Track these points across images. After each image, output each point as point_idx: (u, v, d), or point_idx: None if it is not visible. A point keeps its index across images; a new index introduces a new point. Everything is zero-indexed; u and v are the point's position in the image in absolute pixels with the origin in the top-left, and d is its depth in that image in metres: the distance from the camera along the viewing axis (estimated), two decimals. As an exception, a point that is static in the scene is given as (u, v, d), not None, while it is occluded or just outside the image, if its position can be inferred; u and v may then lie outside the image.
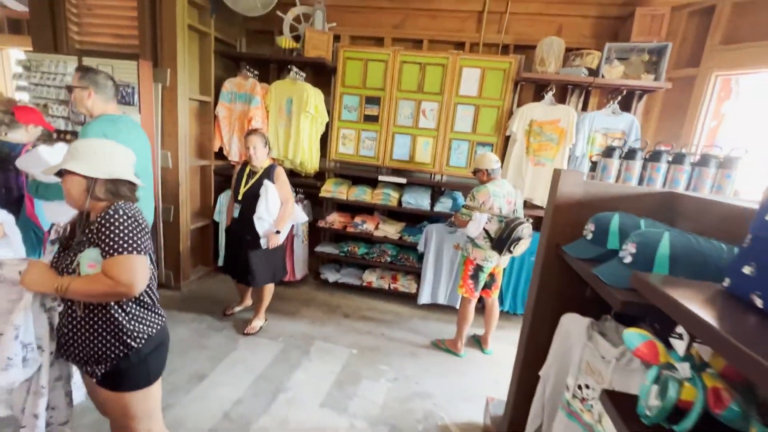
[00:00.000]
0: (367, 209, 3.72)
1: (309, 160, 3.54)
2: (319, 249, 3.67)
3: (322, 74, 3.70)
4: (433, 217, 3.52)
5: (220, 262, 3.70)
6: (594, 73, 3.03)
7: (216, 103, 3.53)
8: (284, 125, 3.50)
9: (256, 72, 3.62)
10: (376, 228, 3.50)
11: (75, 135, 3.00)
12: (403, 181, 3.35)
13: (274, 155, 3.59)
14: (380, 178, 3.38)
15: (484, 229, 2.49)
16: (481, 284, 2.65)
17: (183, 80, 3.11)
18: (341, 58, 3.45)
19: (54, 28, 3.16)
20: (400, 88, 3.41)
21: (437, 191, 3.60)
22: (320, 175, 3.78)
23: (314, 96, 3.38)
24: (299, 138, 3.41)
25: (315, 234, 3.76)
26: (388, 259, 3.51)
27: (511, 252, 2.46)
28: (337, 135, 3.60)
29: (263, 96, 3.48)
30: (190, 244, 3.57)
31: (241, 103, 3.50)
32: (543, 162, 3.22)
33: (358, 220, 3.53)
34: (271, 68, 3.79)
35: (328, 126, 3.65)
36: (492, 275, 2.72)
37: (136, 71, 2.88)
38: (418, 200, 3.38)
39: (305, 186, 3.63)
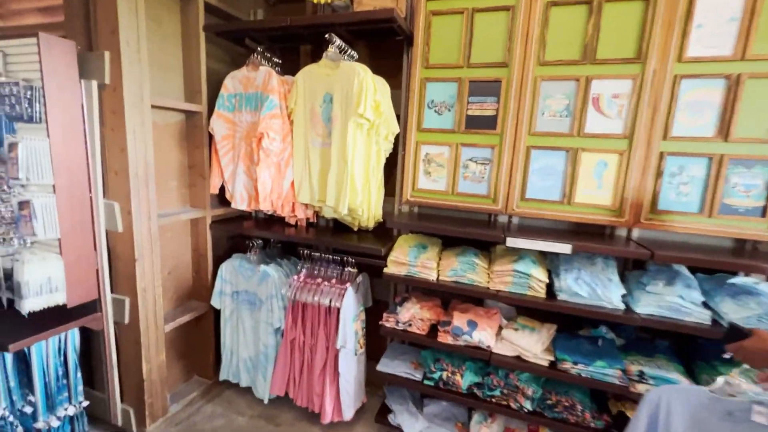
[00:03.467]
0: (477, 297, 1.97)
1: (366, 203, 1.92)
2: (385, 369, 1.98)
3: (385, 50, 2.11)
4: (624, 326, 1.69)
5: (224, 375, 2.19)
6: None
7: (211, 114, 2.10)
8: (319, 143, 1.93)
9: (276, 60, 2.14)
10: (498, 337, 1.74)
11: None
12: (565, 249, 1.55)
13: (305, 199, 2.03)
14: (509, 241, 1.62)
15: None
16: None
17: (137, 73, 1.70)
18: (422, 13, 1.83)
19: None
20: (543, 58, 1.68)
21: (635, 268, 1.77)
22: (384, 230, 2.14)
23: (373, 86, 1.77)
24: (346, 165, 1.82)
25: (376, 336, 2.08)
26: (526, 405, 1.70)
27: None
28: (415, 157, 1.94)
29: (284, 95, 1.96)
30: (168, 354, 2.09)
31: (250, 111, 2.01)
32: None
33: (459, 318, 1.79)
34: (302, 53, 2.29)
35: (397, 141, 2.03)
36: None
37: (38, 57, 1.50)
38: (595, 287, 1.56)
39: (358, 253, 1.99)
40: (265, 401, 2.20)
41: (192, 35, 2.01)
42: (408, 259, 1.79)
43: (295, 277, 1.99)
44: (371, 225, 2.05)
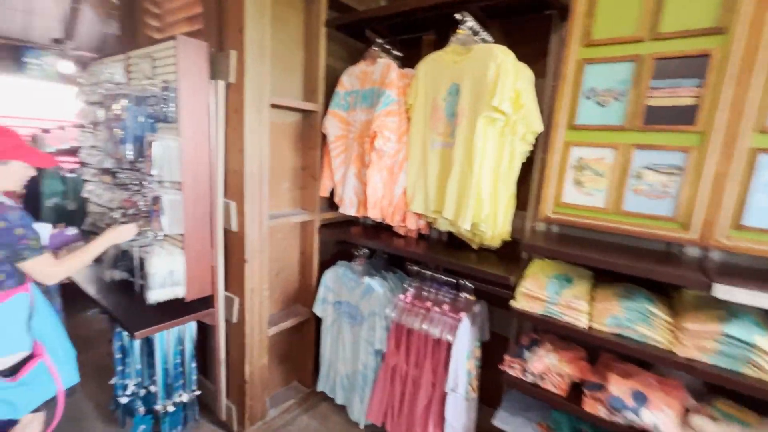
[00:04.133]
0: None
1: (491, 218, 1.56)
2: (503, 426, 1.58)
3: (526, 31, 1.72)
4: None
5: (321, 386, 2.09)
6: None
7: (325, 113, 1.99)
8: (439, 143, 1.65)
9: (397, 53, 1.94)
10: (685, 425, 1.19)
11: None
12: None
13: (418, 208, 1.76)
14: (720, 291, 1.07)
15: None
16: None
17: (259, 72, 1.66)
18: (587, -26, 1.39)
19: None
20: (793, 14, 1.09)
21: None
22: (510, 250, 1.74)
23: (513, 73, 1.41)
24: (471, 171, 1.49)
25: (489, 370, 1.69)
26: None
27: None
28: (561, 162, 1.50)
29: (403, 90, 1.73)
30: (270, 357, 2.06)
31: (365, 109, 1.84)
32: None
33: (619, 385, 1.29)
34: (424, 44, 2.04)
35: (536, 142, 1.62)
36: None
37: (175, 59, 1.55)
38: None
39: (478, 277, 1.63)
40: (361, 426, 2.01)
41: (313, 32, 1.93)
42: (546, 293, 1.38)
43: (402, 296, 1.75)
44: (495, 244, 1.68)
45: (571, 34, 1.43)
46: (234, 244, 1.80)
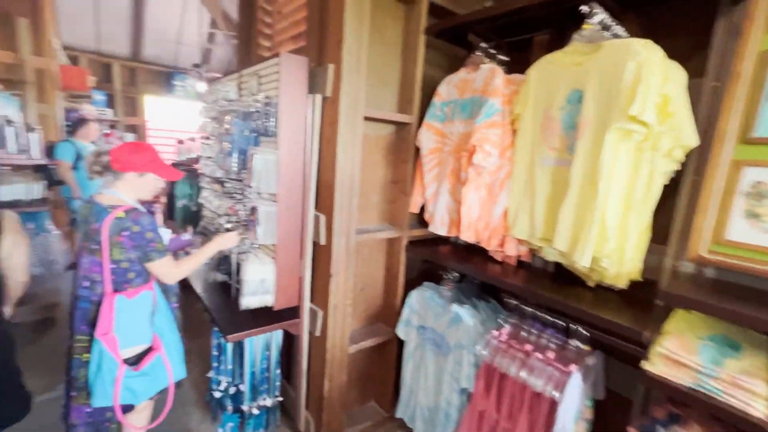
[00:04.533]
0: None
1: (618, 252, 1.26)
2: None
3: (673, 22, 1.38)
4: None
5: (400, 413, 1.97)
6: None
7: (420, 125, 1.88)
8: (552, 160, 1.39)
9: (503, 57, 1.74)
10: None
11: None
12: None
13: (521, 234, 1.53)
14: None
15: None
16: None
17: (355, 84, 1.62)
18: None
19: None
20: None
21: None
22: (636, 291, 1.38)
23: (660, 73, 1.11)
24: (596, 194, 1.22)
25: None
26: None
27: None
28: (726, 187, 1.13)
29: (509, 98, 1.53)
30: (349, 374, 2.00)
31: (463, 120, 1.68)
32: None
33: None
34: (535, 46, 1.80)
35: (687, 161, 1.26)
36: None
37: (278, 75, 1.59)
38: None
39: (596, 325, 1.32)
40: (439, 468, 1.82)
41: (411, 40, 1.84)
42: (698, 361, 1.03)
43: (496, 333, 1.52)
44: (620, 284, 1.35)
45: (751, 19, 1.07)
46: (321, 257, 1.78)
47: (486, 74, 1.56)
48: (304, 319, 1.85)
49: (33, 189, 3.06)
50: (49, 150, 3.29)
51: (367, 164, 1.87)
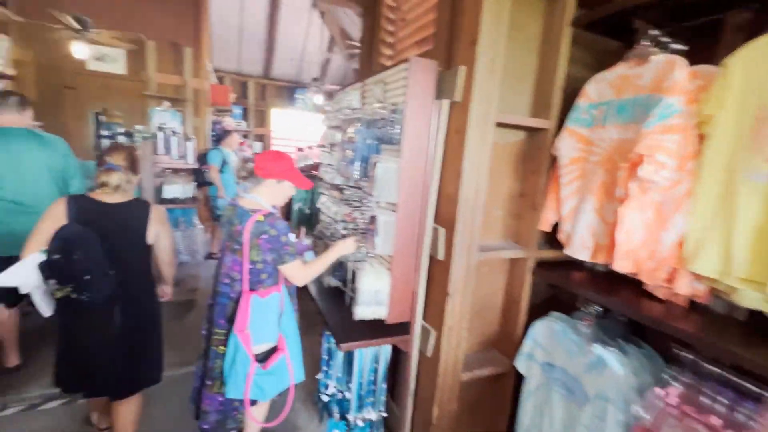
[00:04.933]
0: None
1: None
2: None
3: None
4: None
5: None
6: None
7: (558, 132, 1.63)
8: (765, 175, 1.04)
9: (678, 46, 1.40)
10: None
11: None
12: None
13: (706, 270, 1.18)
14: None
15: None
16: None
17: (488, 87, 1.47)
18: None
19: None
20: None
21: None
22: None
23: None
24: None
25: None
26: None
27: None
28: None
29: (693, 97, 1.20)
30: (460, 405, 1.83)
31: (620, 124, 1.39)
32: None
33: None
34: (728, 28, 1.41)
35: None
36: None
37: (405, 82, 1.53)
38: None
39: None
40: None
41: (554, 35, 1.61)
42: None
43: (662, 392, 1.20)
44: None
45: None
46: (437, 274, 1.66)
47: (660, 67, 1.26)
48: (414, 336, 1.75)
49: (187, 189, 3.61)
50: (200, 157, 3.87)
51: (492, 174, 1.69)
